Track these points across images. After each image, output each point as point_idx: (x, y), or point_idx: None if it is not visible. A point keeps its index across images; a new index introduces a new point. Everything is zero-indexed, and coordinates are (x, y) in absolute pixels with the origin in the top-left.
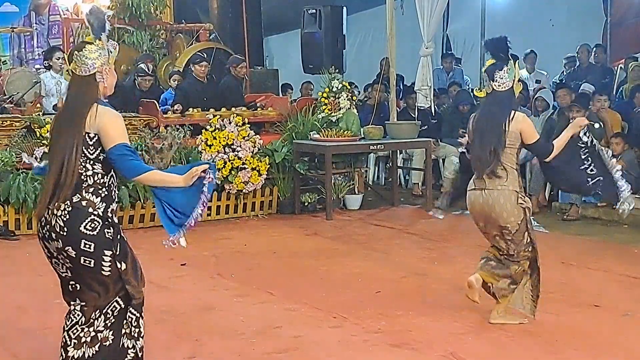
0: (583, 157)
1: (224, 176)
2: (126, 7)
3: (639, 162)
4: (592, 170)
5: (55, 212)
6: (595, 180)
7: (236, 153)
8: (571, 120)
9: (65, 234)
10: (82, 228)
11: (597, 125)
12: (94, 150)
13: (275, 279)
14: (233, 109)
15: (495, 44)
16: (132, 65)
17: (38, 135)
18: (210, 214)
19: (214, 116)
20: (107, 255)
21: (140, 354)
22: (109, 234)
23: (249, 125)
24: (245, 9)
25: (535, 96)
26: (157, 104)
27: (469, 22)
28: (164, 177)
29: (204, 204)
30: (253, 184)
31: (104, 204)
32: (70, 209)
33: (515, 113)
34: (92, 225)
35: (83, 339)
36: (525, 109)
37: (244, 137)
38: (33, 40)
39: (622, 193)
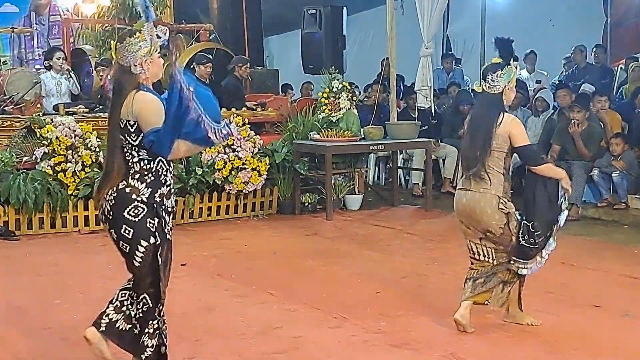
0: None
1: (224, 176)
2: (126, 7)
3: (639, 162)
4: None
5: (106, 197)
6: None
7: (236, 153)
8: (572, 121)
9: (111, 217)
10: (125, 213)
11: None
12: (135, 137)
13: (275, 279)
14: (233, 109)
15: (502, 43)
16: None
17: (38, 135)
18: (211, 214)
19: None
20: (142, 246)
21: (162, 357)
22: (151, 224)
23: (249, 126)
24: (245, 9)
25: (535, 96)
26: None
27: (469, 23)
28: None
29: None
30: (253, 184)
31: (150, 189)
32: (115, 194)
33: (504, 115)
34: (136, 211)
35: (124, 308)
36: (526, 109)
37: (244, 138)
38: (33, 40)
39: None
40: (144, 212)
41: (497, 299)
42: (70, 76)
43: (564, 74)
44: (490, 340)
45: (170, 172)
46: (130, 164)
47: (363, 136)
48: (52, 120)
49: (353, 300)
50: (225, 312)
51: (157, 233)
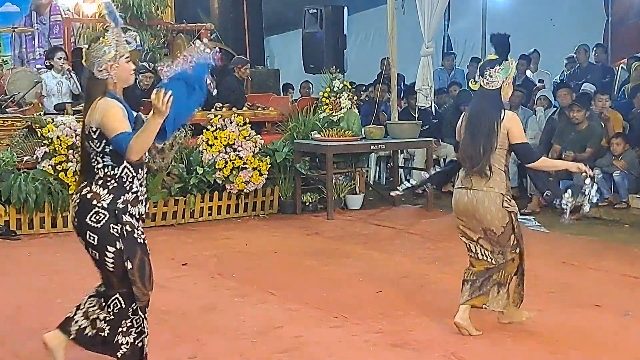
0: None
1: (225, 176)
2: (127, 6)
3: None
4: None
5: (72, 203)
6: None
7: (237, 153)
8: (573, 120)
9: (76, 223)
10: (87, 220)
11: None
12: (98, 143)
13: (276, 279)
14: (234, 108)
15: (499, 39)
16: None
17: (39, 135)
18: (211, 214)
19: (215, 116)
20: (109, 251)
21: (141, 352)
22: (115, 229)
23: (250, 125)
24: (246, 9)
25: (537, 96)
26: None
27: (470, 22)
28: (146, 133)
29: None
30: (254, 183)
31: (112, 196)
32: (78, 200)
33: (505, 112)
34: (97, 217)
35: (90, 314)
36: (527, 108)
37: (245, 137)
38: (34, 40)
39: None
40: (106, 218)
41: (496, 301)
42: (71, 76)
43: (566, 73)
44: (490, 340)
45: (139, 179)
46: (95, 170)
47: (364, 136)
48: (53, 119)
49: (354, 299)
50: (226, 311)
51: (121, 237)
